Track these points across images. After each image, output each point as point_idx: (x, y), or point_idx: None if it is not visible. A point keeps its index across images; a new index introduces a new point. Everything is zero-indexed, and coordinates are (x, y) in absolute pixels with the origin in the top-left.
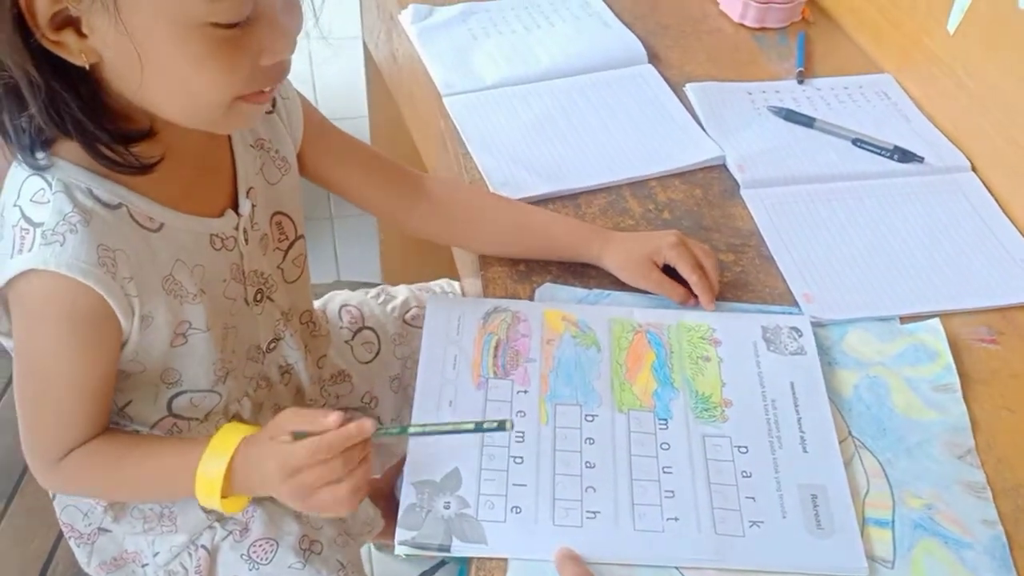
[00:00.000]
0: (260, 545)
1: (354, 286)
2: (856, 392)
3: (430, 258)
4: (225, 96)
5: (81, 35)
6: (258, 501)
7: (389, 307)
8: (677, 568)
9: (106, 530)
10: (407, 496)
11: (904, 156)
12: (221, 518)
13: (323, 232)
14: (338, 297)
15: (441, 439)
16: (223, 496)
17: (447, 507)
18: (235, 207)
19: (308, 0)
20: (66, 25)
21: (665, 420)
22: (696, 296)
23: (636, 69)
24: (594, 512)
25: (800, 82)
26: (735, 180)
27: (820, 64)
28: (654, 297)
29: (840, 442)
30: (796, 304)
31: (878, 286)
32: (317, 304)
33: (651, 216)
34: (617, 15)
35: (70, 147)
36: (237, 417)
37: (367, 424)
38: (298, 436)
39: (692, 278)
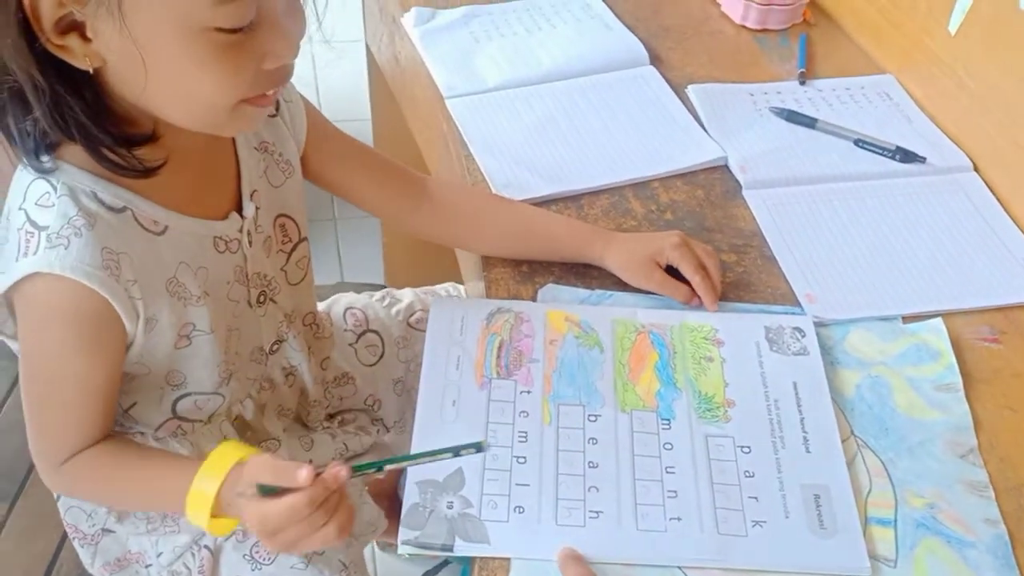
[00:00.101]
0: (263, 545)
1: (358, 288)
2: (858, 392)
3: (433, 260)
4: (229, 99)
5: (85, 39)
6: None
7: (394, 310)
8: (680, 568)
9: (110, 531)
10: (410, 496)
11: (906, 156)
12: None
13: (327, 234)
14: (343, 299)
15: (443, 436)
16: (213, 516)
17: (450, 507)
18: (239, 210)
19: (311, 4)
20: (71, 29)
21: (668, 420)
22: (699, 297)
23: (638, 71)
24: (597, 512)
25: (802, 83)
26: (737, 181)
27: (821, 65)
28: (657, 298)
29: (843, 442)
30: (798, 304)
31: (880, 286)
32: (321, 306)
33: (653, 217)
34: (619, 17)
35: (75, 151)
36: (240, 419)
37: (342, 472)
38: (265, 490)
39: (695, 279)
